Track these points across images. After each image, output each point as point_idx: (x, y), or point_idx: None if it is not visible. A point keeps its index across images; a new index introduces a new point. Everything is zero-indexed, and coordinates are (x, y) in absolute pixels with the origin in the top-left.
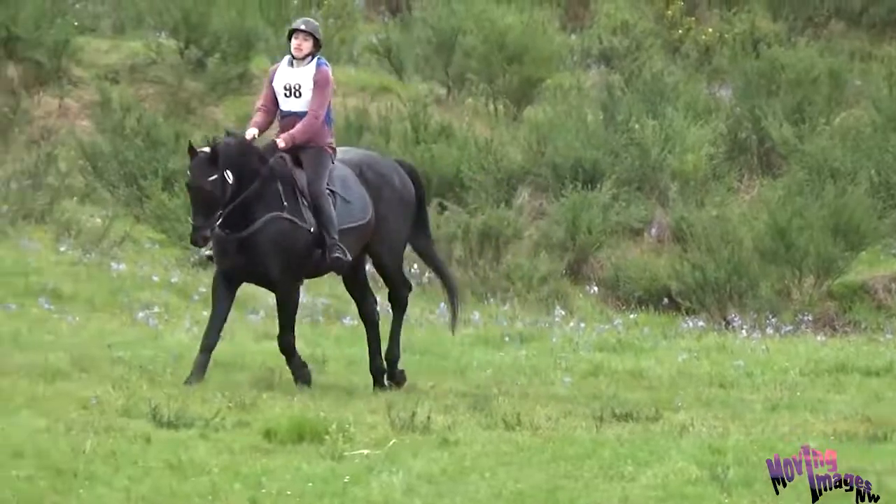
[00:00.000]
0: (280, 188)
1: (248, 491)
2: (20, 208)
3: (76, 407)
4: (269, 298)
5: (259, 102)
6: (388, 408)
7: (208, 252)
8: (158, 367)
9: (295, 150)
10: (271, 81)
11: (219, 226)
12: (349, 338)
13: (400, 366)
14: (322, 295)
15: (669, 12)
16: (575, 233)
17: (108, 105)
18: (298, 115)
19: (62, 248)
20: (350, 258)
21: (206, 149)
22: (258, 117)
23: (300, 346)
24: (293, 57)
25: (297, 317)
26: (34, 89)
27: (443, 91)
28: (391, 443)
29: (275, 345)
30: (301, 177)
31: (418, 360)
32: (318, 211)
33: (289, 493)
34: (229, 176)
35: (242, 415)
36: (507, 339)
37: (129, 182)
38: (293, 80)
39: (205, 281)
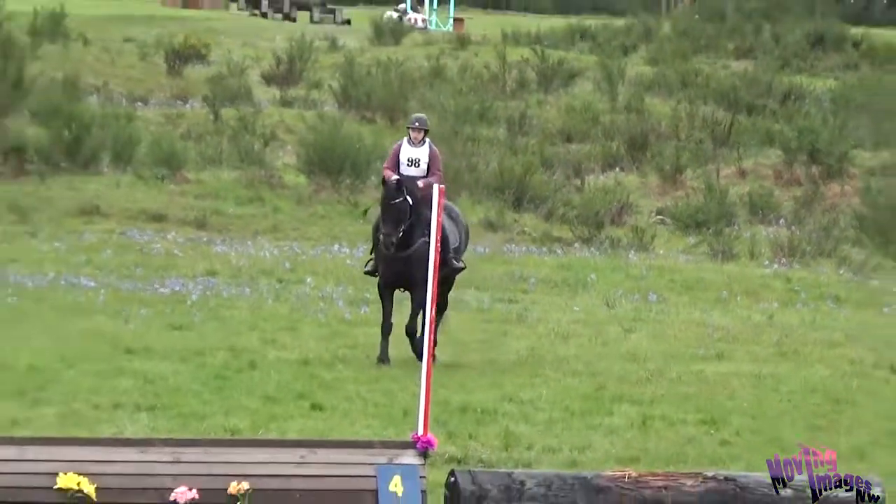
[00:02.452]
0: (425, 222)
1: None
2: None
3: None
4: None
5: (387, 165)
6: None
7: (368, 269)
8: None
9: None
10: (397, 155)
11: (386, 249)
12: None
13: None
14: None
15: None
16: None
17: None
18: (414, 178)
19: None
20: (465, 266)
21: (395, 178)
22: (390, 174)
23: None
24: (411, 141)
25: None
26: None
27: None
28: None
29: None
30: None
31: None
32: (445, 241)
33: None
34: (409, 200)
35: None
36: None
37: None
38: (414, 155)
39: None
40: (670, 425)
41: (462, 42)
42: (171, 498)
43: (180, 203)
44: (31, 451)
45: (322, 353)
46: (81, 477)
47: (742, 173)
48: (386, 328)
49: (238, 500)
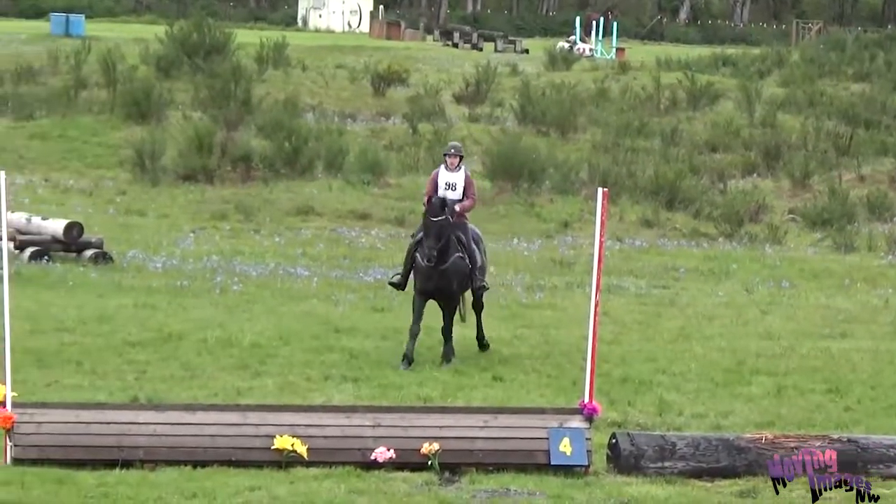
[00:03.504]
0: (456, 240)
1: None
2: None
3: None
4: None
5: (427, 190)
6: None
7: (393, 280)
8: None
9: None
10: (435, 180)
11: (427, 261)
12: None
13: None
14: None
15: None
16: None
17: None
18: (453, 201)
19: None
20: (488, 286)
21: (439, 197)
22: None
23: None
24: (447, 167)
25: None
26: None
27: None
28: None
29: None
30: (462, 237)
31: None
32: (472, 259)
33: None
34: (450, 218)
35: None
36: None
37: None
38: (451, 180)
39: None
40: (801, 394)
41: (623, 68)
42: (372, 457)
43: (382, 204)
44: (253, 417)
45: (502, 332)
46: (295, 439)
47: (861, 178)
48: (414, 331)
49: (429, 459)
